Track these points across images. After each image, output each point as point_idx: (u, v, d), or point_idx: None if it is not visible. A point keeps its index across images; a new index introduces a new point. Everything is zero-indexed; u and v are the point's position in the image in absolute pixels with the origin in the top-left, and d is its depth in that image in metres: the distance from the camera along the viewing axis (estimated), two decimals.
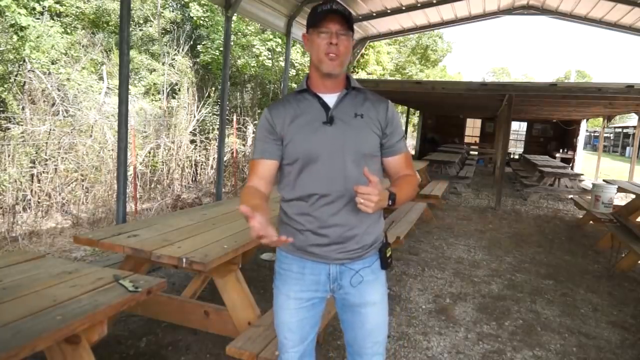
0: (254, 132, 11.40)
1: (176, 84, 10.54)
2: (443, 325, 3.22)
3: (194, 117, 9.75)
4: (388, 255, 1.58)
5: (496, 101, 9.79)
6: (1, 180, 5.97)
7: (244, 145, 10.91)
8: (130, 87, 6.36)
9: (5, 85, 7.57)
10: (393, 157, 1.54)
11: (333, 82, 1.48)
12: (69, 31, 9.80)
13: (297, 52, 12.46)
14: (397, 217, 4.78)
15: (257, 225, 1.16)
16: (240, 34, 11.81)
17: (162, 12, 12.02)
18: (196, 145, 9.56)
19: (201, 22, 11.81)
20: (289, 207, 1.53)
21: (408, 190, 1.50)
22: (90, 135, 7.58)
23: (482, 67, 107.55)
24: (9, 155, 6.21)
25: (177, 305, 2.69)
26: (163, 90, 10.23)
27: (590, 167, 15.63)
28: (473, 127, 19.70)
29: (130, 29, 5.00)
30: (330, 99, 1.48)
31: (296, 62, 12.55)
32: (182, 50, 10.85)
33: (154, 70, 10.77)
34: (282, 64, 10.43)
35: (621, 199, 8.60)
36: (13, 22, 7.27)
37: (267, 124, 1.48)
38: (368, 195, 1.28)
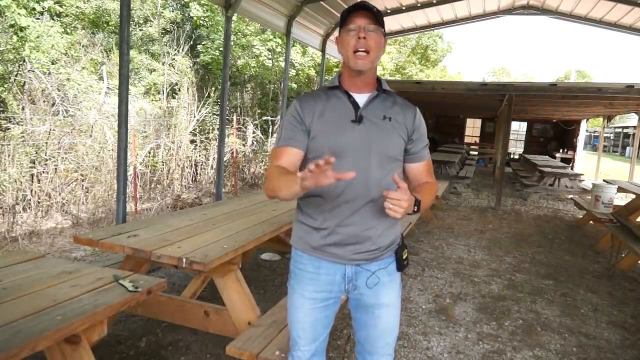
0: (254, 132, 11.39)
1: (176, 84, 10.53)
2: (443, 325, 3.21)
3: (194, 117, 9.75)
4: (404, 257, 1.58)
5: (496, 101, 9.79)
6: (1, 180, 5.97)
7: (244, 145, 10.90)
8: (130, 87, 6.35)
9: (5, 85, 7.57)
10: (417, 164, 1.55)
11: (364, 81, 1.47)
12: (69, 31, 9.80)
13: (297, 52, 12.45)
14: None
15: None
16: (240, 34, 11.80)
17: (162, 12, 12.01)
18: (196, 145, 9.55)
19: (201, 22, 11.80)
20: (306, 204, 1.51)
21: (429, 198, 1.51)
22: (90, 135, 7.57)
23: (482, 67, 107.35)
24: (9, 155, 6.20)
25: (177, 305, 2.68)
26: (163, 90, 10.23)
27: (590, 167, 15.63)
28: (473, 127, 19.70)
29: (130, 29, 4.99)
30: (361, 98, 1.47)
31: (296, 62, 12.55)
32: (182, 50, 10.85)
33: (154, 70, 10.76)
34: (282, 64, 10.42)
35: (621, 199, 8.60)
36: (13, 22, 7.26)
37: (296, 113, 1.45)
38: (398, 201, 1.26)
